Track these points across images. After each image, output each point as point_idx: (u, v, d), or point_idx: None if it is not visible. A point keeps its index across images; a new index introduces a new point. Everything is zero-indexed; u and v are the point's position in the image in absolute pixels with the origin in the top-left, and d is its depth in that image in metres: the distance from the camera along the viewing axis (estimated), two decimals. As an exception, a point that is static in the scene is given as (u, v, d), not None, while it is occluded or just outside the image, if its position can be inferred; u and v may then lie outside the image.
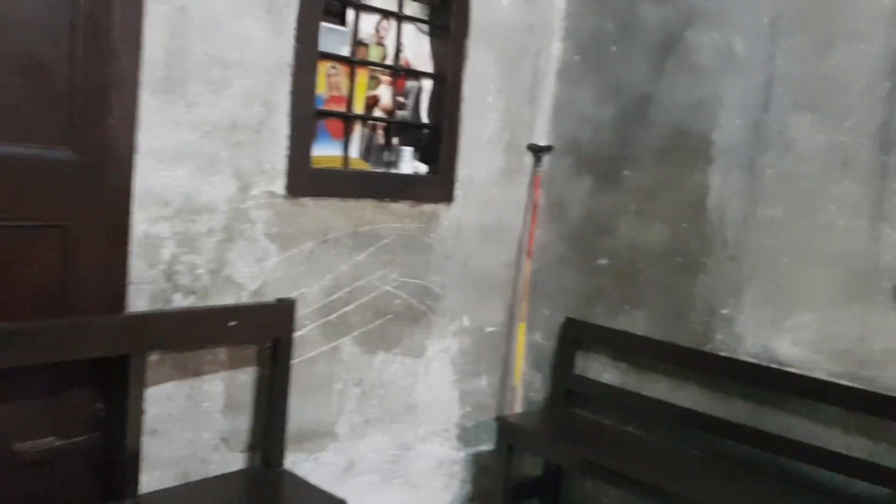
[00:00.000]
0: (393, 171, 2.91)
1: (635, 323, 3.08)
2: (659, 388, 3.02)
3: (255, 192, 2.43)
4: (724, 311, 2.84)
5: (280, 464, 2.47)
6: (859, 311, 2.54)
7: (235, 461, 2.48)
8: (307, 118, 2.53)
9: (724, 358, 2.82)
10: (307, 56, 2.49)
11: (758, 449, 2.74)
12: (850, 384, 2.55)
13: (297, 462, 2.62)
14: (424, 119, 2.99)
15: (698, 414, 2.88)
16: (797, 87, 2.68)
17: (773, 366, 2.71)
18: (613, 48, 3.18)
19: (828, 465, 2.57)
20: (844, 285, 2.58)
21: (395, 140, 2.94)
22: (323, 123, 2.68)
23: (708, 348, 2.87)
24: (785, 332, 2.70)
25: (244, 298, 2.44)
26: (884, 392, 2.48)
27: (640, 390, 3.06)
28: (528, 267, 3.31)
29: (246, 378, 2.48)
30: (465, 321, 3.17)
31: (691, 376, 2.93)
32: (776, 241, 2.72)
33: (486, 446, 3.27)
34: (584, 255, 3.26)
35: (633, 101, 3.11)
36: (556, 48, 3.32)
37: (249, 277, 2.45)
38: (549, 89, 3.33)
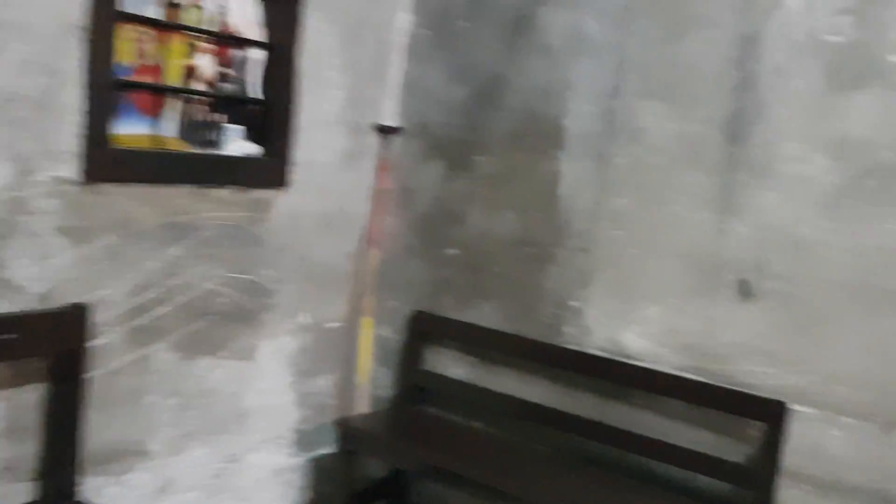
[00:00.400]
0: (216, 152, 2.59)
1: (485, 315, 2.95)
2: (508, 382, 2.90)
3: (39, 177, 2.06)
4: (574, 304, 2.75)
5: (73, 492, 2.14)
6: (705, 304, 2.51)
7: (20, 493, 2.12)
8: (105, 90, 2.16)
9: (573, 351, 2.74)
10: (103, 16, 2.12)
11: (605, 444, 2.67)
12: (696, 378, 2.51)
13: (101, 487, 2.29)
14: (255, 93, 2.68)
15: (547, 409, 2.78)
16: (648, 73, 2.58)
17: (621, 359, 2.64)
18: (464, 24, 2.98)
19: (672, 460, 2.54)
20: (691, 278, 2.53)
21: (219, 117, 2.61)
22: (129, 97, 2.32)
23: (557, 341, 2.78)
24: (632, 325, 2.64)
25: (29, 305, 2.07)
26: (727, 386, 2.46)
27: (489, 385, 2.94)
28: (374, 257, 3.08)
29: (32, 397, 2.11)
30: (304, 318, 2.91)
31: (541, 370, 2.84)
32: (625, 232, 2.64)
33: (328, 450, 3.04)
34: (433, 244, 3.08)
35: (485, 82, 2.94)
36: (402, 20, 3.08)
37: (33, 279, 2.08)
38: (396, 66, 3.09)
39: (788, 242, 2.36)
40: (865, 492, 2.25)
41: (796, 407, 2.35)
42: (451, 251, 3.04)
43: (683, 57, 2.51)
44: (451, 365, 3.05)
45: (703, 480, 2.49)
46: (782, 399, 2.36)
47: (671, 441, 2.53)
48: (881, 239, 2.23)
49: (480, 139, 2.95)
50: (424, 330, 3.09)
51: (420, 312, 3.08)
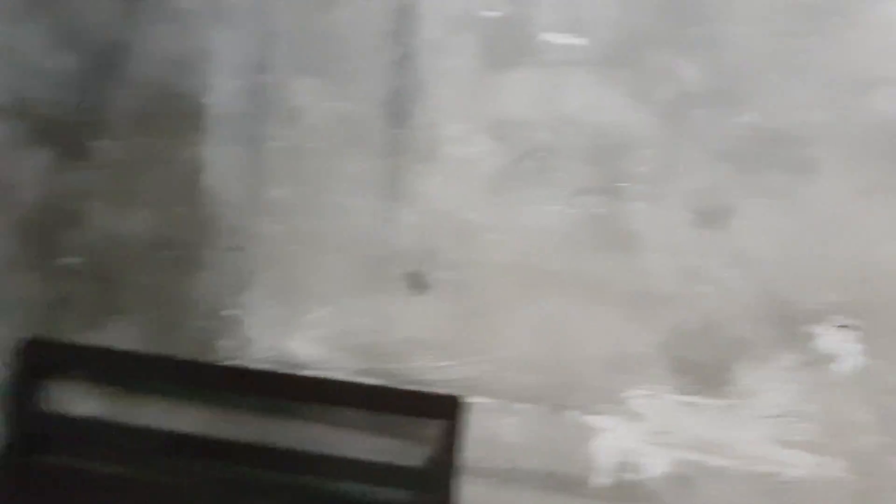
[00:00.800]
0: None
1: (120, 336, 2.50)
2: (154, 413, 2.48)
3: None
4: (229, 313, 2.44)
5: None
6: (375, 300, 2.36)
7: None
8: None
9: (230, 368, 2.42)
10: None
11: (276, 470, 2.40)
12: (370, 381, 2.35)
13: None
14: None
15: (205, 439, 2.43)
16: (299, 45, 2.35)
17: (287, 371, 2.39)
18: (68, -23, 2.48)
19: (350, 475, 2.35)
20: (360, 273, 2.37)
21: None
22: None
23: (211, 359, 2.44)
24: (300, 331, 2.41)
25: None
26: (405, 387, 2.33)
27: (129, 420, 2.49)
28: (-42, 273, 2.42)
29: None
30: None
31: (194, 395, 2.47)
32: (285, 226, 2.40)
33: None
34: (44, 253, 2.54)
35: (102, 49, 2.47)
36: (-17, -32, 2.45)
37: None
38: (-22, 26, 2.46)
39: (456, 229, 2.31)
40: (540, 475, 2.28)
41: (473, 399, 2.29)
42: (70, 260, 2.53)
43: (337, 28, 2.33)
44: (78, 401, 2.54)
45: (387, 492, 2.34)
46: (457, 393, 2.29)
47: (350, 455, 2.34)
48: (541, 220, 2.26)
49: (100, 120, 2.48)
50: (40, 361, 2.53)
51: (33, 340, 2.51)
